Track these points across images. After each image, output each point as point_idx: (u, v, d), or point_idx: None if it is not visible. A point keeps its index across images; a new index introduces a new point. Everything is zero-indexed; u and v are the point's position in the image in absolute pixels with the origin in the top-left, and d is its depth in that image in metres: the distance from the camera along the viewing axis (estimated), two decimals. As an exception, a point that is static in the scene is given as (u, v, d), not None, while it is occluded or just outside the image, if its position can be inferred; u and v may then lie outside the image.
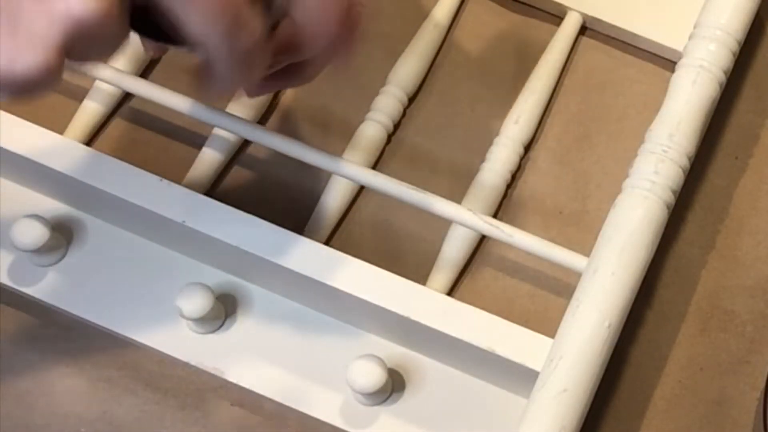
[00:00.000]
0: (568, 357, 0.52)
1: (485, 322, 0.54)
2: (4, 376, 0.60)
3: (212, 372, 0.58)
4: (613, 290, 0.53)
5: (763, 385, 0.59)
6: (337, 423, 0.57)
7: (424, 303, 0.55)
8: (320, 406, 0.57)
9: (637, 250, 0.54)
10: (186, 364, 0.58)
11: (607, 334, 0.52)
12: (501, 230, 0.56)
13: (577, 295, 0.54)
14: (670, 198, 0.56)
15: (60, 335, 0.61)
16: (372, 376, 0.55)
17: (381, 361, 0.55)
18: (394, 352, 0.58)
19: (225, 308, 0.59)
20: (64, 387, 0.60)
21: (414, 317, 0.54)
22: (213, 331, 0.59)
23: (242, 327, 0.59)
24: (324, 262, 0.55)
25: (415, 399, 0.57)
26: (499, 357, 0.54)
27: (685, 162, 0.57)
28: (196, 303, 0.56)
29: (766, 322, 0.61)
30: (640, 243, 0.55)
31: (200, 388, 0.60)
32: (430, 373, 0.58)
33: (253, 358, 0.58)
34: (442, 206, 0.57)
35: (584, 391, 0.52)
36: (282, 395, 0.57)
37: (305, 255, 0.56)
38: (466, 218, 0.56)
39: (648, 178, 0.56)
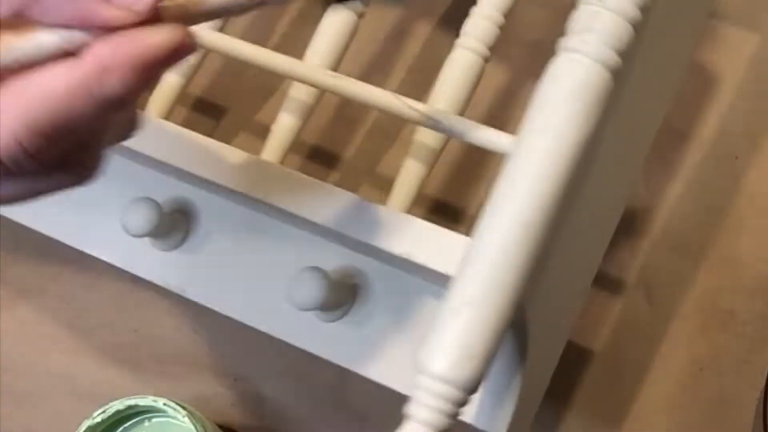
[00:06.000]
0: (477, 263, 0.41)
1: (403, 225, 0.48)
2: (5, 376, 0.60)
3: (175, 291, 0.56)
4: (533, 180, 0.41)
5: (763, 385, 0.59)
6: (296, 342, 0.54)
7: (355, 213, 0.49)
8: (277, 324, 0.54)
9: (563, 130, 0.42)
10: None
11: (524, 234, 0.41)
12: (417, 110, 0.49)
13: (495, 185, 0.42)
14: (612, 60, 0.42)
15: (60, 336, 0.61)
16: (312, 290, 0.51)
17: (323, 273, 0.51)
18: (344, 263, 0.54)
19: (185, 223, 0.56)
20: (65, 387, 0.60)
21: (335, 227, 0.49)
22: (176, 248, 0.56)
23: (204, 242, 0.56)
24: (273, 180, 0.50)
25: (365, 309, 0.54)
26: (415, 263, 0.48)
27: (632, 12, 0.43)
28: (142, 217, 0.53)
29: (766, 322, 0.61)
30: (567, 122, 0.42)
31: (201, 388, 0.60)
32: (378, 280, 0.54)
33: (212, 274, 0.55)
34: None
35: (494, 302, 0.41)
36: (240, 313, 0.55)
37: (257, 174, 0.50)
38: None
39: (579, 37, 0.42)
